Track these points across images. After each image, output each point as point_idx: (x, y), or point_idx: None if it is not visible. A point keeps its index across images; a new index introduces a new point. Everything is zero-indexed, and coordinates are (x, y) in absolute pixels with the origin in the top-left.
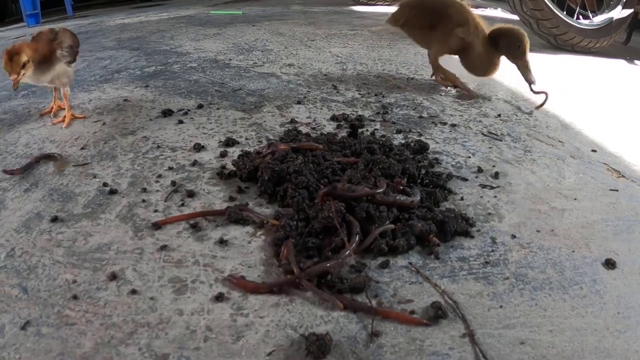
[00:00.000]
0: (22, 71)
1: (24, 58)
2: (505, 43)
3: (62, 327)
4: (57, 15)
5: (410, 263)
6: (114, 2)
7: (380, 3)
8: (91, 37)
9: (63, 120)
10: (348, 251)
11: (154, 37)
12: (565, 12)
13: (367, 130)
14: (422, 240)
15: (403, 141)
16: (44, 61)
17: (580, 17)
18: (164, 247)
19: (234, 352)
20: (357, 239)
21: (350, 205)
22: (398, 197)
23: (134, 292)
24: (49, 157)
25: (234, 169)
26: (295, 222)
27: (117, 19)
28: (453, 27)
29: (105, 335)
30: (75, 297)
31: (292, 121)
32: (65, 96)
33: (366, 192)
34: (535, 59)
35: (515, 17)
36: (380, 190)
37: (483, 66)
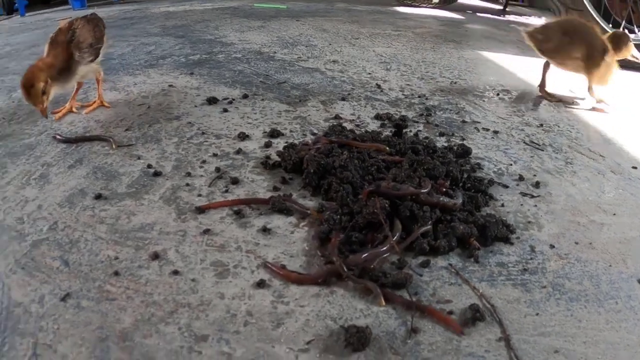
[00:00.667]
0: (44, 97)
1: (41, 85)
2: (619, 44)
3: (102, 302)
4: (103, 0)
5: (450, 264)
6: None
7: (424, 5)
8: (136, 23)
9: (91, 105)
10: (389, 244)
11: (198, 26)
12: (610, 26)
13: (411, 131)
14: (462, 243)
15: (446, 144)
16: (64, 70)
17: (626, 30)
18: (207, 231)
19: (274, 338)
20: (399, 235)
21: (395, 203)
22: (441, 199)
23: (175, 272)
24: (101, 139)
25: (279, 159)
26: (338, 216)
27: (162, 6)
28: (601, 56)
29: (145, 312)
30: (116, 273)
31: (336, 117)
32: (98, 81)
33: (411, 192)
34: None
35: None
36: (425, 191)
37: (609, 75)
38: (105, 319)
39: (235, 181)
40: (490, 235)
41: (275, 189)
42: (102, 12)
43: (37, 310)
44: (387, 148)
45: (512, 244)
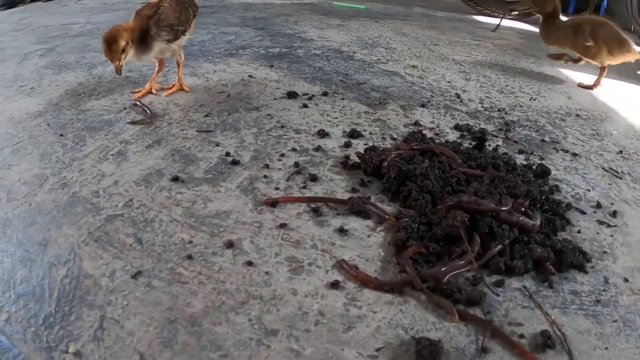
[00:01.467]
0: (122, 56)
1: (122, 43)
2: None
3: (173, 284)
4: None
5: (524, 286)
6: None
7: (502, 16)
8: (215, 12)
9: (171, 88)
10: (466, 260)
11: (278, 20)
12: None
13: (490, 145)
14: (537, 266)
15: (525, 162)
16: (142, 40)
17: None
18: (283, 225)
19: (344, 341)
20: (476, 251)
21: (474, 218)
22: (521, 218)
23: (249, 263)
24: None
25: (358, 161)
26: (416, 225)
27: None
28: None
29: (216, 299)
30: (189, 257)
31: (416, 123)
32: (178, 64)
33: (492, 208)
34: None
35: None
36: (506, 208)
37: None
38: (175, 301)
39: (314, 178)
40: (566, 262)
41: (354, 190)
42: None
43: (107, 284)
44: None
45: (586, 272)
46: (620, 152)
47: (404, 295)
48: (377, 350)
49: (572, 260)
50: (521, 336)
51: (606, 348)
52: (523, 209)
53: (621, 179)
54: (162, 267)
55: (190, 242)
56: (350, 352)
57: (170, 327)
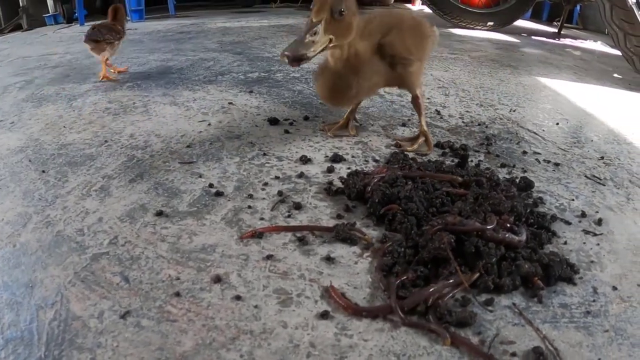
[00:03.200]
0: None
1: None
2: None
3: (162, 322)
4: (160, 13)
5: (514, 304)
6: (214, 6)
7: (479, 27)
8: (193, 38)
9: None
10: (454, 281)
11: (255, 43)
12: None
13: (472, 161)
14: (525, 282)
15: (508, 176)
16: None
17: None
18: (269, 257)
19: None
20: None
21: (460, 238)
22: (507, 235)
23: (238, 297)
24: None
25: (342, 186)
26: (403, 249)
27: (219, 22)
28: None
29: (206, 336)
30: (177, 294)
31: (398, 145)
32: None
33: (476, 228)
34: (636, 100)
35: (617, 52)
36: (491, 227)
37: None
38: (165, 340)
39: (298, 206)
40: (554, 275)
41: (339, 216)
42: (160, 25)
43: (96, 326)
44: (459, 178)
45: (575, 284)
46: (602, 158)
47: (394, 321)
48: None
49: (560, 273)
50: (513, 354)
51: (599, 359)
52: (508, 225)
53: (604, 185)
54: (150, 306)
55: (178, 278)
56: None
57: None
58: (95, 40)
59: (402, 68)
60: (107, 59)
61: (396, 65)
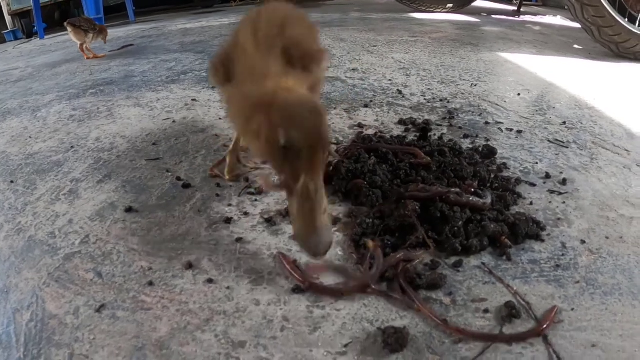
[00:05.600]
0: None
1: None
2: None
3: (137, 312)
4: (120, 20)
5: (483, 263)
6: (174, 9)
7: (439, 10)
8: (155, 41)
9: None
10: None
11: (216, 42)
12: (627, 20)
13: (435, 135)
14: (494, 242)
15: (471, 146)
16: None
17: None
18: (239, 240)
19: (311, 342)
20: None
21: (425, 205)
22: (471, 199)
23: (210, 281)
24: None
25: None
26: (371, 220)
27: (179, 24)
28: None
29: (181, 321)
30: (151, 284)
31: (360, 125)
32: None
33: (439, 192)
34: (596, 68)
35: (576, 25)
36: (454, 190)
37: None
38: (141, 328)
39: (260, 191)
40: (521, 233)
41: None
42: (120, 32)
43: (73, 322)
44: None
45: (543, 241)
46: (564, 123)
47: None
48: (345, 346)
49: (527, 230)
50: (486, 311)
51: (572, 309)
52: (472, 190)
53: (567, 147)
54: (124, 297)
55: (150, 268)
56: (319, 352)
57: (139, 354)
58: (73, 24)
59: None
60: (81, 45)
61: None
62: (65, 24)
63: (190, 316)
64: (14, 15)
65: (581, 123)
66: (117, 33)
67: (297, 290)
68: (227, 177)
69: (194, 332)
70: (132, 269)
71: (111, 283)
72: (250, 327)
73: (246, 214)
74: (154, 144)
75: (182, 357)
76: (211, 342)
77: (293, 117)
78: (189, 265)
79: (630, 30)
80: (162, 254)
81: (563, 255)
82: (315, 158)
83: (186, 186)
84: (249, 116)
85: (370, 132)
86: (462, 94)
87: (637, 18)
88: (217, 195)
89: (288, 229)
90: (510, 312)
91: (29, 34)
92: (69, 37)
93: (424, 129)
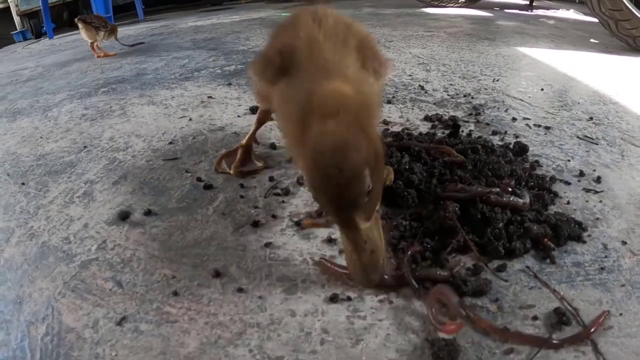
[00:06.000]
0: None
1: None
2: None
3: (162, 325)
4: (129, 19)
5: (528, 267)
6: (182, 7)
7: (451, 5)
8: (166, 39)
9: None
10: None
11: (229, 38)
12: None
13: (463, 131)
14: (536, 244)
15: (501, 143)
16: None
17: None
18: (268, 245)
19: (354, 356)
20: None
21: (464, 206)
22: (512, 199)
23: (240, 290)
24: None
25: None
26: (408, 222)
27: (189, 21)
28: None
29: (211, 335)
30: (175, 293)
31: (385, 122)
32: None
33: (480, 192)
34: (615, 62)
35: (593, 19)
36: (496, 190)
37: None
38: (167, 343)
39: (287, 192)
40: (563, 235)
41: None
42: (130, 30)
43: (92, 336)
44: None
45: (584, 242)
46: (591, 118)
47: (407, 298)
48: (392, 359)
49: (569, 232)
50: (535, 318)
51: (620, 314)
52: (511, 189)
53: (597, 144)
54: (147, 309)
55: (174, 277)
56: None
57: None
58: (84, 20)
59: None
60: (92, 43)
61: None
62: (76, 20)
63: (221, 329)
64: (23, 15)
65: (607, 119)
66: (127, 31)
67: (334, 299)
68: (231, 172)
69: (225, 347)
70: (154, 278)
71: (132, 293)
72: (287, 340)
73: (274, 216)
74: (170, 142)
75: None
76: (245, 357)
77: (317, 161)
78: (217, 273)
79: None
80: (186, 260)
81: (606, 257)
82: (342, 210)
83: (208, 187)
84: (300, 126)
85: (397, 129)
86: (485, 89)
87: None
88: (242, 196)
89: (320, 232)
90: (560, 319)
91: (38, 35)
92: (79, 37)
93: (454, 125)
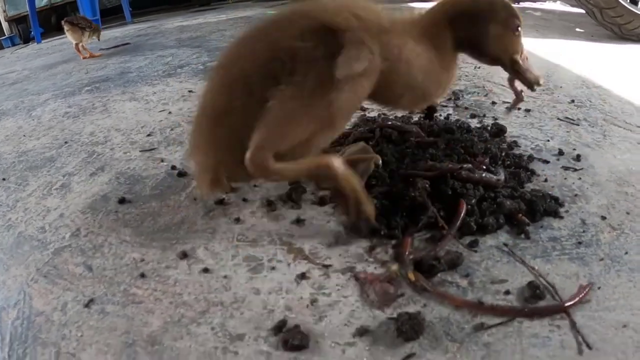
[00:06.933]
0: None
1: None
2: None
3: (128, 305)
4: (117, 21)
5: (502, 242)
6: (170, 8)
7: None
8: (151, 39)
9: None
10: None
11: (214, 36)
12: (629, 1)
13: (441, 115)
14: (510, 220)
15: (479, 125)
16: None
17: None
18: (237, 222)
19: (317, 333)
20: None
21: (435, 183)
22: (485, 175)
23: (205, 270)
24: None
25: None
26: (379, 201)
27: (176, 22)
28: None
29: (174, 314)
30: (142, 275)
31: (362, 108)
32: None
33: (450, 169)
34: (600, 50)
35: (579, 10)
36: (466, 166)
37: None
38: (131, 323)
39: None
40: (538, 210)
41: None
42: (117, 32)
43: (60, 318)
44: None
45: (561, 217)
46: (573, 101)
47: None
48: (354, 336)
49: (545, 207)
50: (507, 292)
51: (598, 288)
52: (484, 167)
53: (578, 125)
54: (114, 291)
55: (142, 260)
56: (325, 344)
57: (129, 350)
58: (71, 22)
59: None
60: (77, 44)
61: None
62: (63, 22)
63: (185, 308)
64: (11, 21)
65: (590, 101)
66: (114, 33)
67: (300, 277)
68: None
69: (188, 326)
70: (123, 261)
71: (101, 276)
72: (250, 318)
73: (245, 200)
74: (148, 135)
75: (175, 352)
76: (207, 335)
77: None
78: (184, 255)
79: (633, 12)
80: (156, 244)
81: (584, 232)
82: None
83: (182, 174)
84: None
85: (374, 114)
86: (466, 75)
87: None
88: None
89: (289, 214)
90: (534, 293)
91: (26, 39)
92: (66, 40)
93: (429, 108)
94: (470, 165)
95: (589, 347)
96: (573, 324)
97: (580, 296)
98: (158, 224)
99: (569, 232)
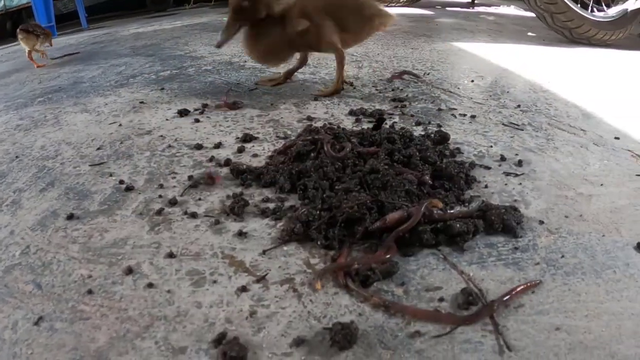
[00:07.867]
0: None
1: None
2: None
3: (76, 322)
4: (72, 27)
5: (438, 250)
6: (127, 14)
7: (393, 4)
8: (106, 47)
9: None
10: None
11: (168, 44)
12: (579, 5)
13: (387, 124)
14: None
15: (423, 133)
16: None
17: (595, 9)
18: (180, 240)
19: (255, 344)
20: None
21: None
22: (454, 211)
23: (150, 285)
24: None
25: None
26: (317, 212)
27: (132, 28)
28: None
29: (120, 329)
30: (90, 292)
31: (309, 118)
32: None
33: (422, 214)
34: (551, 53)
35: (530, 14)
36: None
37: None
38: (79, 339)
39: (207, 189)
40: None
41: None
42: (72, 39)
43: (11, 337)
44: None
45: None
46: (519, 106)
47: (312, 286)
48: (291, 347)
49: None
50: (441, 299)
51: (532, 292)
52: (428, 182)
53: (522, 130)
54: (63, 308)
55: (90, 276)
56: (263, 354)
57: None
58: (26, 30)
59: None
60: (29, 52)
61: None
62: (18, 31)
63: (130, 323)
64: None
65: (536, 106)
66: (68, 40)
67: (240, 290)
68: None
69: (133, 340)
70: (71, 278)
71: (50, 294)
72: (192, 331)
73: (187, 213)
74: (98, 148)
75: None
76: (151, 349)
77: None
78: (129, 270)
79: (583, 16)
80: (102, 260)
81: (521, 237)
82: None
83: (129, 189)
84: None
85: (319, 124)
86: (415, 83)
87: (588, 4)
88: (160, 196)
89: (232, 226)
90: (467, 299)
91: None
92: (20, 47)
93: (379, 118)
94: (424, 209)
95: (509, 349)
96: (496, 326)
97: (507, 298)
98: (105, 239)
99: (505, 238)
